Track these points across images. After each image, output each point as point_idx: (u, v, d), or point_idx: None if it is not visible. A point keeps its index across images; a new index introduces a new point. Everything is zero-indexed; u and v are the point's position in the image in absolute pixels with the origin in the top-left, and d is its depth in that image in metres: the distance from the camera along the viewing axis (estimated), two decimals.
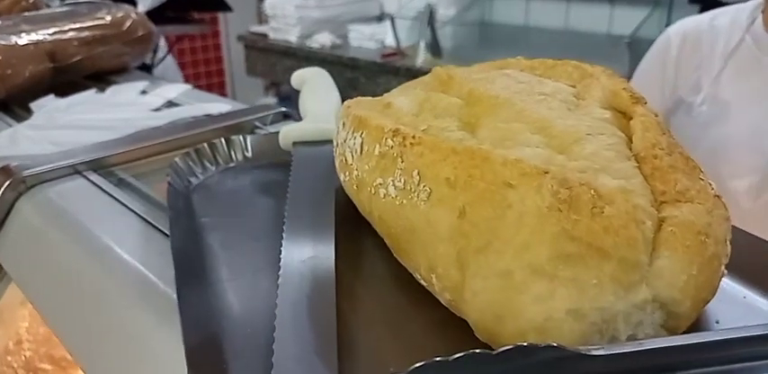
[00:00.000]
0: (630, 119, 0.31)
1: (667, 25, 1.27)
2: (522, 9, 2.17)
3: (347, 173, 0.36)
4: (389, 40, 2.11)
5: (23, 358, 0.76)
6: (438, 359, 0.21)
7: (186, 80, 3.03)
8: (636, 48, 1.62)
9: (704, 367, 0.23)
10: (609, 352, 0.22)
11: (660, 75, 0.93)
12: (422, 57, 2.00)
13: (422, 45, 2.01)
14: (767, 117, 0.82)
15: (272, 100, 3.00)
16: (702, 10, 1.57)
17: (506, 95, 0.32)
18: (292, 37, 2.29)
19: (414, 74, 1.95)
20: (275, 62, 2.40)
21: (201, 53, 3.07)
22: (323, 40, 2.21)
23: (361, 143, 0.34)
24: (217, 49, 3.11)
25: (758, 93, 0.83)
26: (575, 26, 2.06)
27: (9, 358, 0.75)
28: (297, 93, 0.56)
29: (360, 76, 2.11)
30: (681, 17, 1.22)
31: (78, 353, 0.39)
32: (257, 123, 0.59)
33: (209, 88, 3.09)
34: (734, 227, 0.33)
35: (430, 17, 2.00)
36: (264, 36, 2.41)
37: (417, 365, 0.21)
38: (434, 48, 2.01)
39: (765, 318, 0.30)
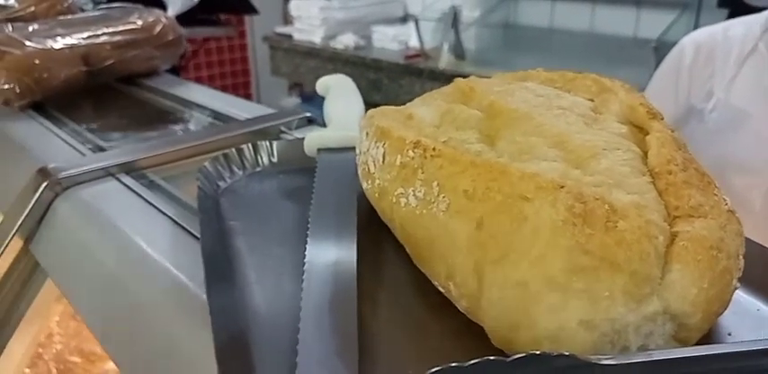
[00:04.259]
0: (647, 134, 0.31)
1: (695, 29, 1.26)
2: (546, 11, 2.16)
3: (370, 182, 0.37)
4: (413, 42, 2.12)
5: (54, 350, 0.79)
6: (454, 364, 0.22)
7: (212, 79, 3.09)
8: (663, 52, 1.60)
9: None
10: (618, 362, 0.22)
11: (674, 84, 0.95)
12: (445, 59, 2.01)
13: (445, 47, 2.02)
14: None
15: (295, 100, 3.03)
16: (731, 14, 1.55)
17: (525, 109, 0.33)
18: (316, 38, 2.32)
19: (437, 76, 1.96)
20: (299, 63, 2.42)
21: (227, 53, 3.11)
22: (347, 41, 2.23)
23: (384, 153, 0.35)
24: (242, 50, 3.15)
25: None
26: (600, 29, 2.04)
27: (41, 350, 0.78)
28: (321, 96, 0.57)
29: (383, 78, 2.13)
30: (709, 21, 1.21)
31: (111, 348, 0.41)
32: (283, 128, 0.61)
33: (233, 88, 3.13)
34: (749, 240, 0.33)
35: (454, 19, 2.01)
36: (289, 37, 2.44)
37: (434, 369, 0.22)
38: (458, 50, 2.02)
39: None
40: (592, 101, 0.35)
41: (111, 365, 0.82)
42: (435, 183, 0.30)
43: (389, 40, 2.21)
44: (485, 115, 0.35)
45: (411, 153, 0.32)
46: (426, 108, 0.38)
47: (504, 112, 0.33)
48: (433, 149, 0.31)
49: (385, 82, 2.13)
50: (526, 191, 0.27)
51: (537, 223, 0.26)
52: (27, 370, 0.73)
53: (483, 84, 0.38)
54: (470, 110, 0.36)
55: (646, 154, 0.30)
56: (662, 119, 0.32)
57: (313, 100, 2.84)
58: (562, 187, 0.26)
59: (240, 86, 3.20)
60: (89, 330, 0.42)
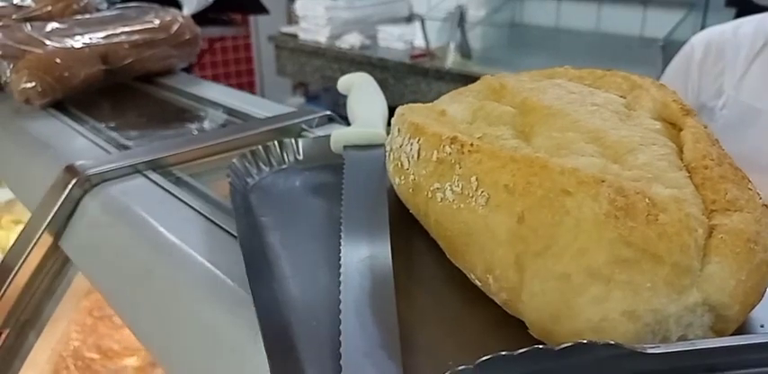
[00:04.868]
0: (680, 130, 0.32)
1: (702, 28, 1.27)
2: (552, 10, 2.16)
3: (402, 177, 0.38)
4: (419, 41, 2.12)
5: (72, 347, 0.80)
6: (504, 353, 0.23)
7: (216, 79, 3.09)
8: (670, 51, 1.61)
9: (751, 368, 0.24)
10: (664, 351, 0.23)
11: (684, 81, 0.96)
12: (451, 59, 2.01)
13: (451, 46, 2.02)
14: None
15: (300, 99, 3.03)
16: (738, 13, 1.56)
17: (559, 105, 0.34)
18: (322, 37, 2.32)
19: (442, 75, 1.96)
20: (305, 62, 2.43)
21: (232, 53, 3.12)
22: (352, 40, 2.24)
23: (418, 149, 0.36)
24: (247, 49, 3.16)
25: None
26: (606, 28, 2.05)
27: (58, 347, 0.79)
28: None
29: (389, 77, 2.13)
30: (716, 20, 1.22)
31: (149, 342, 0.41)
32: (304, 126, 0.61)
33: (238, 87, 3.13)
34: None
35: (460, 18, 2.01)
36: (294, 36, 2.44)
37: (484, 358, 0.23)
38: (464, 50, 2.02)
39: None
40: (623, 98, 0.35)
41: (128, 361, 0.82)
42: (474, 178, 0.31)
43: (395, 40, 2.21)
44: (518, 111, 0.35)
45: (448, 148, 0.33)
46: (457, 105, 0.39)
47: (538, 109, 0.34)
48: (471, 145, 0.32)
49: (391, 81, 2.13)
50: (568, 186, 0.27)
51: (579, 216, 0.27)
52: (46, 367, 0.74)
53: (513, 80, 0.39)
54: (503, 106, 0.36)
55: (680, 149, 0.31)
56: (695, 115, 0.33)
57: (318, 99, 2.85)
58: (603, 181, 0.27)
59: (245, 86, 3.21)
60: (126, 325, 0.43)
